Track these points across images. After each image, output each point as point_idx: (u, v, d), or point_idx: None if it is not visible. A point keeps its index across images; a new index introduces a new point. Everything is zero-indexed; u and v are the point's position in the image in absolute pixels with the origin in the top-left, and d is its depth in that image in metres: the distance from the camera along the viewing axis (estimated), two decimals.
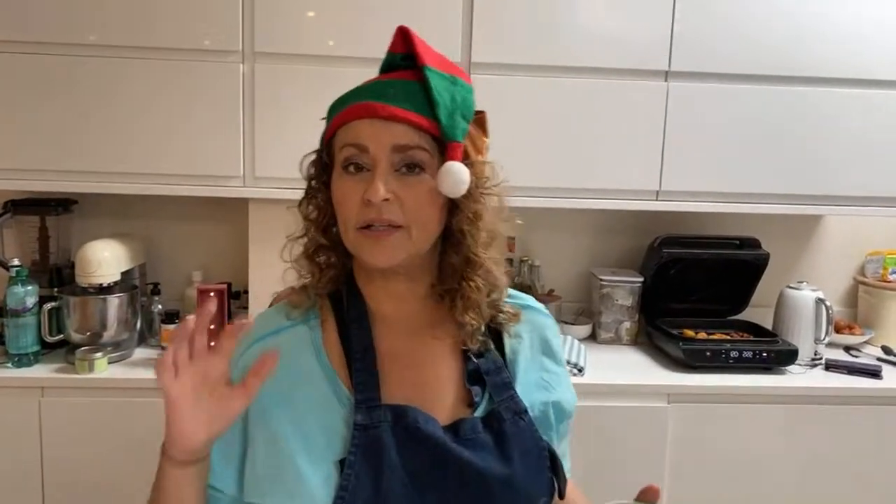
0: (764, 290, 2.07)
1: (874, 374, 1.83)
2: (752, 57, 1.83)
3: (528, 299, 0.94)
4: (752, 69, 1.83)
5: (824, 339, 1.91)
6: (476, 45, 1.77)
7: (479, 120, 0.84)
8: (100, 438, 1.67)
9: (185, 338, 0.69)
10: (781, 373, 1.84)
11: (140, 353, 1.85)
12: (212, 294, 1.74)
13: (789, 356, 1.84)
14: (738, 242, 2.03)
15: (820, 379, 1.83)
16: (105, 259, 1.77)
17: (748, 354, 1.82)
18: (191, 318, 0.70)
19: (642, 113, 1.83)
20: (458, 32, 1.76)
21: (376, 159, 0.76)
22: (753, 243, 2.03)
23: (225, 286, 1.77)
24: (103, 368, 1.70)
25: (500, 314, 0.86)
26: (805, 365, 1.89)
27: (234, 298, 2.01)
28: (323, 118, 0.88)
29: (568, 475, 0.93)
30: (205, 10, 1.71)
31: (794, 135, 1.87)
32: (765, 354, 1.83)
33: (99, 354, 1.69)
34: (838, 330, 2.10)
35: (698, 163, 1.86)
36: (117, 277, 1.80)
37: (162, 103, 1.74)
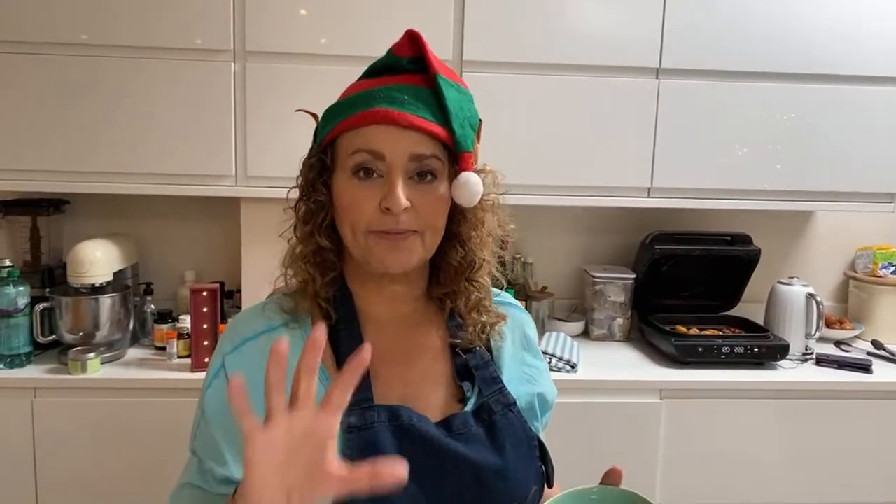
0: (756, 286, 2.08)
1: (864, 368, 1.85)
2: (742, 54, 1.84)
3: (506, 296, 0.96)
4: (741, 66, 1.84)
5: (815, 334, 1.93)
6: (468, 44, 1.77)
7: (478, 129, 0.85)
8: (93, 439, 1.66)
9: (283, 374, 0.55)
10: (773, 368, 1.86)
11: (133, 353, 1.85)
12: (204, 293, 1.75)
13: (780, 351, 1.85)
14: (729, 238, 2.04)
15: (811, 373, 1.84)
16: (97, 259, 1.76)
17: (740, 350, 1.83)
18: (284, 346, 0.56)
19: (633, 110, 1.84)
20: (450, 30, 1.77)
21: (393, 167, 0.75)
22: (745, 239, 2.04)
23: (218, 286, 1.76)
24: (96, 369, 1.69)
25: (488, 314, 0.87)
26: (796, 360, 1.90)
27: (227, 298, 2.01)
28: (301, 110, 0.88)
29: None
30: (196, 10, 1.71)
31: (785, 131, 1.89)
32: (756, 350, 1.84)
33: (92, 355, 1.68)
34: (829, 325, 2.12)
35: (689, 159, 1.87)
36: (109, 277, 1.79)
37: (153, 103, 1.73)
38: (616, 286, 2.06)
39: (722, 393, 1.77)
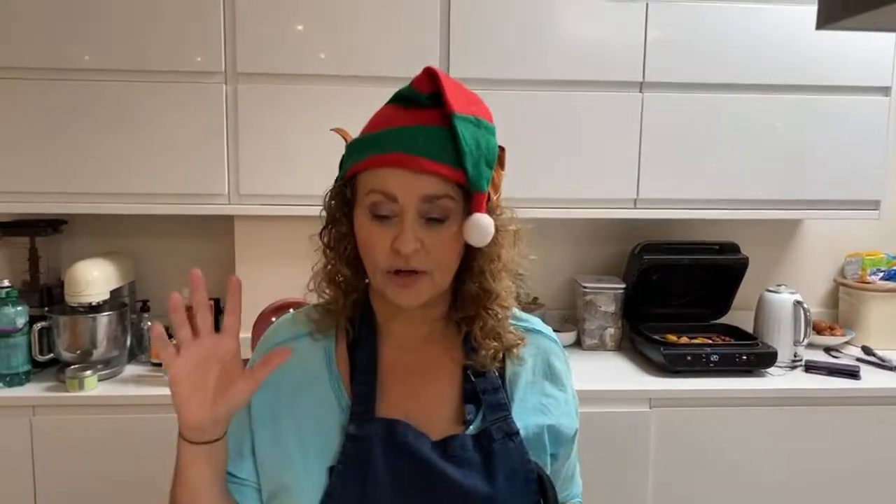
0: (745, 294, 2.11)
1: (853, 374, 1.86)
2: (724, 66, 1.87)
3: (537, 322, 0.96)
4: (723, 78, 1.88)
5: (803, 341, 1.94)
6: (454, 61, 1.81)
7: (499, 156, 0.86)
8: (92, 456, 1.69)
9: (183, 315, 0.73)
10: (762, 375, 1.88)
11: (130, 369, 1.88)
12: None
13: (769, 359, 1.87)
14: (717, 248, 2.06)
15: (800, 380, 1.86)
16: (94, 278, 1.79)
17: (728, 358, 1.85)
18: (176, 295, 0.73)
19: (618, 123, 1.87)
20: (437, 48, 1.80)
21: (405, 208, 0.78)
22: (733, 248, 2.06)
23: (212, 302, 1.79)
24: (93, 386, 1.72)
25: (503, 340, 0.87)
26: (785, 367, 1.92)
27: (221, 314, 2.03)
28: (334, 130, 0.90)
29: (576, 500, 0.97)
30: (187, 33, 1.75)
31: (770, 141, 1.92)
32: (745, 357, 1.86)
33: (89, 373, 1.71)
34: (820, 331, 2.13)
35: (675, 170, 1.90)
36: (106, 296, 1.83)
37: (147, 124, 1.77)
38: (606, 296, 2.08)
39: (711, 401, 1.79)
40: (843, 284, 2.26)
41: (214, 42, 1.75)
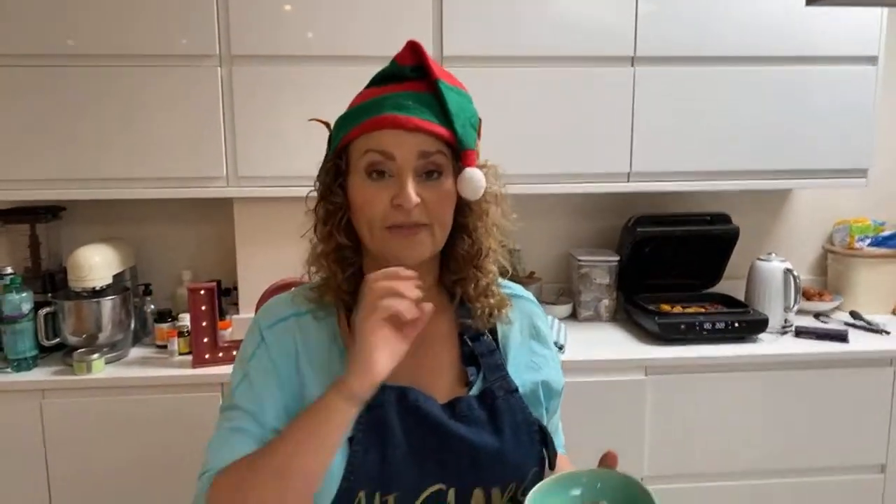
0: (736, 263, 2.15)
1: (841, 338, 1.92)
2: (714, 39, 1.89)
3: (518, 288, 1.02)
4: (713, 52, 1.90)
5: (793, 307, 1.99)
6: (447, 39, 1.82)
7: (478, 127, 0.91)
8: (102, 437, 1.73)
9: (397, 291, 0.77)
10: (753, 341, 1.93)
11: (136, 352, 1.91)
12: (202, 292, 1.81)
13: (760, 325, 1.92)
14: (709, 218, 2.10)
15: (790, 345, 1.91)
16: (96, 263, 1.82)
17: (721, 325, 1.90)
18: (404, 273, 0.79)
19: (611, 98, 1.90)
20: (430, 26, 1.81)
21: (402, 166, 0.82)
22: (724, 219, 2.11)
23: (214, 284, 1.82)
24: (101, 369, 1.75)
25: (495, 297, 0.93)
26: (776, 333, 1.97)
27: (224, 295, 2.06)
28: (313, 119, 0.94)
29: (561, 450, 1.02)
30: (181, 16, 1.75)
31: (760, 112, 1.94)
32: (737, 325, 1.91)
33: (96, 356, 1.74)
34: (809, 297, 2.19)
35: (666, 144, 1.93)
36: (109, 280, 1.85)
37: (144, 109, 1.78)
38: (601, 269, 2.12)
39: (704, 368, 1.84)
40: (832, 251, 2.31)
41: (208, 25, 1.76)
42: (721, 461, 1.87)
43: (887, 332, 1.98)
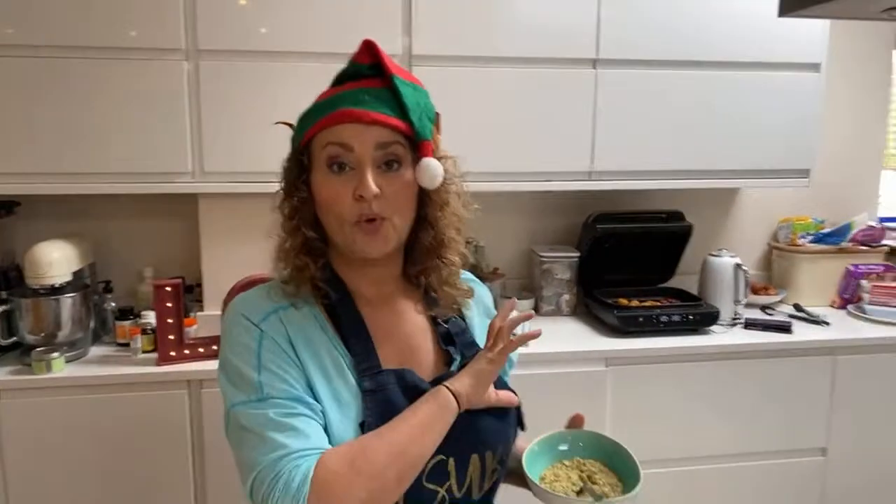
0: (689, 259, 2.25)
1: (786, 329, 2.04)
2: (672, 44, 1.98)
3: (468, 275, 1.09)
4: (671, 55, 1.98)
5: (742, 300, 2.10)
6: (416, 38, 1.84)
7: (436, 121, 0.95)
8: (63, 437, 1.69)
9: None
10: (706, 333, 2.03)
11: (96, 350, 1.87)
12: (168, 288, 1.78)
13: (712, 318, 2.02)
14: (664, 216, 2.19)
15: (740, 336, 2.02)
16: (55, 260, 1.77)
17: (676, 318, 1.99)
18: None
19: (574, 99, 1.96)
20: (399, 26, 1.83)
21: (361, 157, 0.86)
22: (678, 216, 2.20)
23: (180, 280, 1.80)
24: (60, 368, 1.71)
25: (457, 290, 1.00)
26: (726, 325, 2.07)
27: (187, 292, 2.04)
28: (279, 122, 0.97)
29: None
30: (147, 10, 1.72)
31: (711, 114, 2.04)
32: (691, 317, 2.00)
33: (56, 354, 1.70)
34: (756, 291, 2.31)
35: (626, 144, 2.00)
36: (69, 277, 1.80)
37: (107, 102, 1.75)
38: (562, 264, 2.19)
39: (661, 358, 1.92)
40: (776, 248, 2.44)
41: (174, 18, 1.73)
42: (677, 447, 1.96)
43: (827, 324, 2.11)
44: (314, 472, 0.78)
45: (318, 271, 0.91)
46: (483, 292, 1.10)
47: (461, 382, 0.89)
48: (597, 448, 1.00)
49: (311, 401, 0.85)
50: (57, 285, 1.78)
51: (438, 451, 0.88)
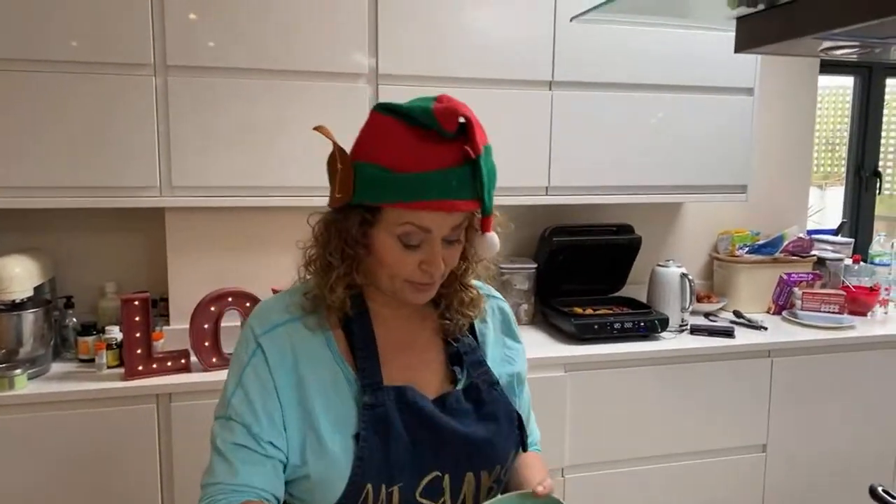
0: (638, 269, 2.39)
1: (728, 334, 2.18)
2: (622, 68, 2.11)
3: (489, 289, 1.12)
4: (621, 79, 2.12)
5: (689, 307, 2.24)
6: (382, 58, 1.91)
7: None
8: (26, 455, 1.66)
9: None
10: (656, 339, 2.15)
11: (57, 367, 1.84)
12: (136, 302, 1.78)
13: (661, 324, 2.15)
14: (615, 229, 2.32)
15: (687, 341, 2.15)
16: (17, 275, 1.74)
17: (629, 325, 2.11)
18: None
19: (531, 118, 2.07)
20: (366, 46, 1.90)
21: (435, 238, 0.90)
22: (628, 229, 2.33)
23: (148, 294, 1.80)
24: (23, 385, 1.69)
25: (475, 311, 1.03)
26: (675, 331, 2.21)
27: (154, 307, 2.03)
28: (317, 128, 0.94)
29: (535, 447, 1.15)
30: (115, 24, 1.73)
31: (657, 135, 2.19)
32: (642, 324, 2.12)
33: (18, 371, 1.67)
34: (699, 299, 2.46)
35: (579, 161, 2.12)
36: (30, 293, 1.78)
37: (72, 116, 1.74)
38: (521, 275, 2.28)
39: (615, 363, 2.04)
40: (717, 258, 2.61)
41: (143, 34, 1.75)
42: (631, 447, 2.07)
43: (765, 328, 2.27)
44: None
45: (348, 303, 0.94)
46: (502, 306, 1.12)
47: None
48: None
49: (266, 435, 0.90)
50: (17, 301, 1.75)
51: (433, 466, 0.92)
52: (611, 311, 2.23)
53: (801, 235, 2.61)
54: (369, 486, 0.88)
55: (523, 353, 1.13)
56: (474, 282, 1.06)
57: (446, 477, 0.93)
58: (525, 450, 1.03)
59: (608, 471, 2.06)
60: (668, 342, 2.13)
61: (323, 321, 0.95)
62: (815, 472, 2.25)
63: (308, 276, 0.97)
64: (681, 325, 2.23)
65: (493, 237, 0.95)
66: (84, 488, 1.70)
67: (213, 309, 1.80)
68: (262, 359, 0.92)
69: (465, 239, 0.95)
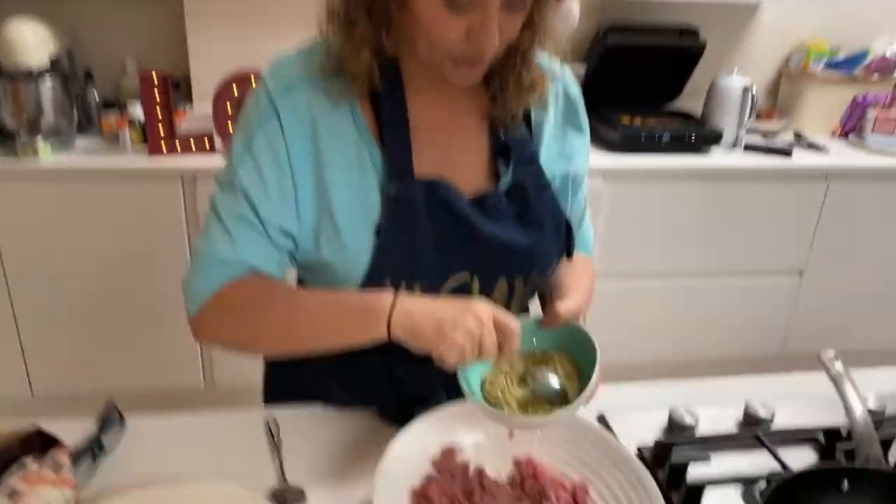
0: (696, 80, 2.17)
1: (786, 153, 2.02)
2: None
3: (555, 66, 0.86)
4: None
5: (746, 124, 2.06)
6: None
7: None
8: (56, 224, 1.68)
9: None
10: (706, 153, 2.01)
11: (81, 142, 1.80)
12: (155, 79, 1.68)
13: (714, 138, 1.99)
14: (679, 31, 2.08)
15: (739, 159, 2.00)
16: (30, 40, 1.65)
17: (678, 137, 1.95)
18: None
19: None
20: None
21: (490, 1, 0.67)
22: (693, 33, 2.09)
23: (169, 75, 1.70)
24: (47, 156, 1.66)
25: (533, 93, 0.81)
26: (727, 147, 2.05)
27: (174, 88, 1.93)
28: None
29: (587, 249, 0.98)
30: None
31: None
32: (693, 137, 1.97)
33: (40, 138, 1.64)
34: (759, 117, 2.26)
35: None
36: (45, 61, 1.69)
37: None
38: None
39: (660, 177, 1.92)
40: (787, 73, 2.36)
41: None
42: (663, 261, 2.02)
43: (826, 150, 2.10)
44: (208, 299, 0.77)
45: (377, 73, 0.75)
46: (571, 92, 0.88)
47: (411, 317, 0.69)
48: (554, 337, 0.78)
49: (273, 217, 0.76)
50: (34, 68, 1.67)
51: (461, 268, 0.79)
52: (660, 123, 2.07)
53: (888, 55, 2.32)
54: (387, 280, 0.78)
55: (586, 147, 0.90)
56: (538, 58, 0.81)
57: (475, 280, 0.81)
58: (570, 257, 0.88)
59: (635, 283, 2.03)
60: (718, 157, 1.99)
61: (348, 89, 0.76)
62: (848, 304, 2.19)
63: (330, 35, 0.75)
64: (734, 142, 2.07)
65: (572, 4, 0.78)
66: (114, 255, 1.73)
67: (236, 92, 1.70)
68: (276, 126, 0.75)
69: (530, 4, 0.71)
